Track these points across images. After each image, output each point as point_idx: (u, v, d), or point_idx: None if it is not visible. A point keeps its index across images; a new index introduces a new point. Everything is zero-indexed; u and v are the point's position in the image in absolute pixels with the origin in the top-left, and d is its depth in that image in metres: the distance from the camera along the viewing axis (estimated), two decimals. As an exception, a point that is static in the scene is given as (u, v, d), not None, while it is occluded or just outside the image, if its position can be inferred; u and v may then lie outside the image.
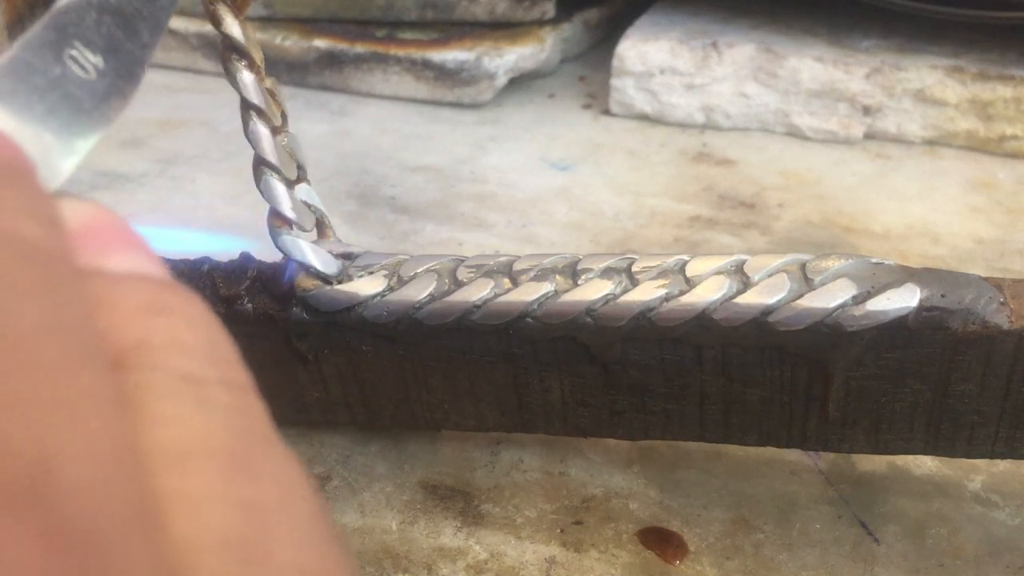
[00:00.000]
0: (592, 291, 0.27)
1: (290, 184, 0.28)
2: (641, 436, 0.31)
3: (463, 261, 0.28)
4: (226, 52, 0.27)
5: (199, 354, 0.12)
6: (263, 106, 0.28)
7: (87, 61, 0.14)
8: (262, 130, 0.28)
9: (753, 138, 0.58)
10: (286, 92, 0.65)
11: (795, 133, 0.58)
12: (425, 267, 0.28)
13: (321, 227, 0.30)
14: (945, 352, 0.26)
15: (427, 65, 0.62)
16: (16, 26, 0.36)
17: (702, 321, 0.26)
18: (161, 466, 0.10)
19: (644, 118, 0.60)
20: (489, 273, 0.28)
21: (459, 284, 0.28)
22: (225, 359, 0.12)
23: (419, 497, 0.32)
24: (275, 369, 0.31)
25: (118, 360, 0.11)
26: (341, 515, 0.31)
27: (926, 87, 0.54)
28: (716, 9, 0.63)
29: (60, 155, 0.14)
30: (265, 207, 0.28)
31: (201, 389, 0.12)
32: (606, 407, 0.30)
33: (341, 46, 0.64)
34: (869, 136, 0.57)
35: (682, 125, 0.59)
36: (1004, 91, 0.53)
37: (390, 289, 0.28)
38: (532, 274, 0.28)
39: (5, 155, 0.11)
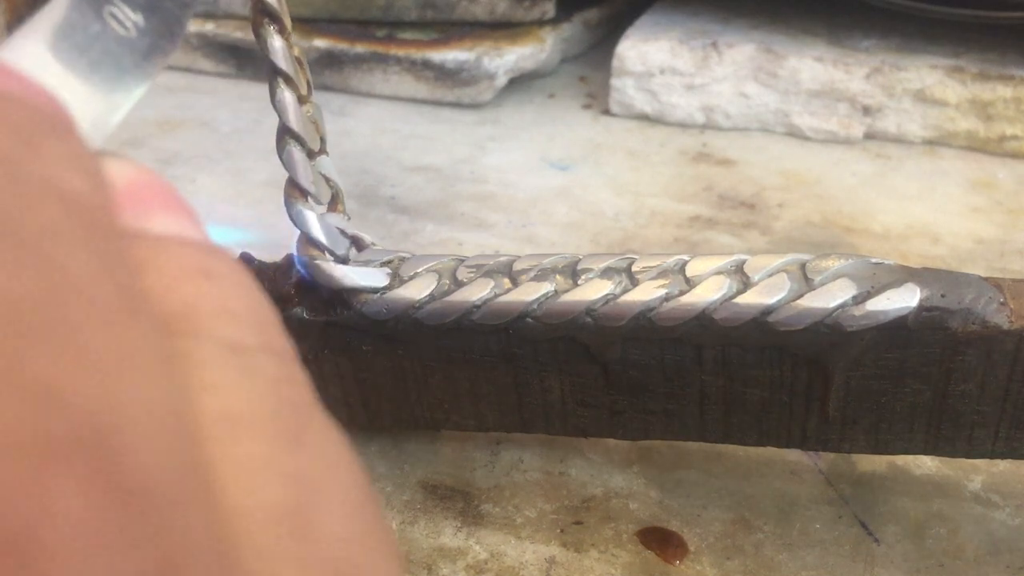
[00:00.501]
0: (592, 291, 0.27)
1: (312, 155, 0.28)
2: (641, 436, 0.31)
3: (463, 261, 0.28)
4: (258, 16, 0.27)
5: (245, 321, 0.12)
6: (292, 74, 0.27)
7: (127, 18, 0.14)
8: (289, 98, 0.27)
9: (753, 138, 0.58)
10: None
11: (795, 133, 0.58)
12: (425, 267, 0.28)
13: (334, 201, 0.30)
14: (945, 352, 0.26)
15: (427, 65, 0.62)
16: (16, 25, 0.36)
17: (702, 321, 0.26)
18: (210, 434, 0.10)
19: (644, 118, 0.60)
20: (489, 273, 0.28)
21: (459, 284, 0.28)
22: (270, 327, 0.12)
23: (419, 497, 0.32)
24: None
25: (164, 325, 0.11)
26: (341, 515, 0.31)
27: (926, 87, 0.54)
28: (716, 9, 0.63)
29: (101, 113, 0.14)
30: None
31: (248, 357, 0.11)
32: (606, 407, 0.30)
33: (341, 46, 0.64)
34: (869, 136, 0.57)
35: (682, 125, 0.59)
36: (1004, 91, 0.53)
37: (390, 287, 0.28)
38: (532, 274, 0.28)
39: (47, 108, 0.11)
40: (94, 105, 0.14)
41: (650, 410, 0.29)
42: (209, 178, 0.54)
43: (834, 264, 0.26)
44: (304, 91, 0.28)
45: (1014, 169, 0.53)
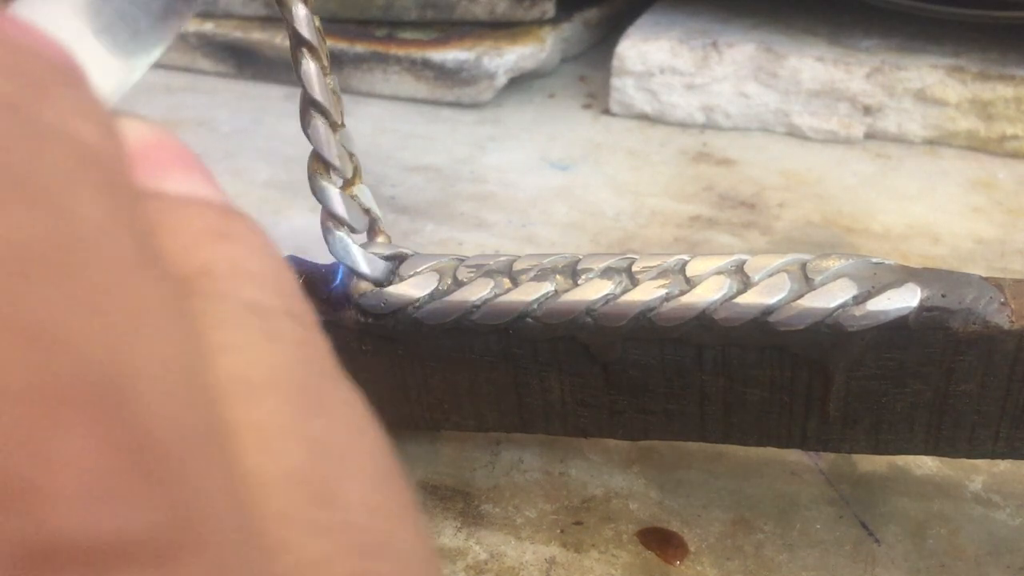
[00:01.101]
0: (592, 291, 0.27)
1: (346, 184, 0.28)
2: (641, 436, 0.31)
3: (463, 261, 0.28)
4: (297, 47, 0.27)
5: (264, 283, 0.11)
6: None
7: None
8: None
9: (753, 138, 0.58)
10: (285, 92, 0.65)
11: (795, 133, 0.58)
12: (426, 266, 0.28)
13: (373, 228, 0.30)
14: (946, 352, 0.26)
15: (427, 65, 0.62)
16: None
17: (702, 321, 0.26)
18: (227, 395, 0.10)
19: (644, 118, 0.60)
20: (489, 273, 0.28)
21: (459, 284, 0.28)
22: (289, 290, 0.12)
23: (419, 497, 0.32)
24: None
25: (181, 284, 0.11)
26: (341, 515, 0.31)
27: (926, 87, 0.54)
28: (716, 9, 0.63)
29: (117, 74, 0.14)
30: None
31: (267, 319, 0.11)
32: (606, 407, 0.30)
33: (341, 46, 0.64)
34: (869, 136, 0.56)
35: (682, 125, 0.59)
36: (1005, 91, 0.53)
37: (389, 283, 0.28)
38: (532, 274, 0.28)
39: (61, 61, 0.11)
40: (110, 65, 0.14)
41: (650, 410, 0.29)
42: (209, 178, 0.54)
43: (835, 264, 0.26)
44: (340, 120, 0.28)
45: (1014, 169, 0.53)
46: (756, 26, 0.61)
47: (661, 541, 0.30)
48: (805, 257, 0.26)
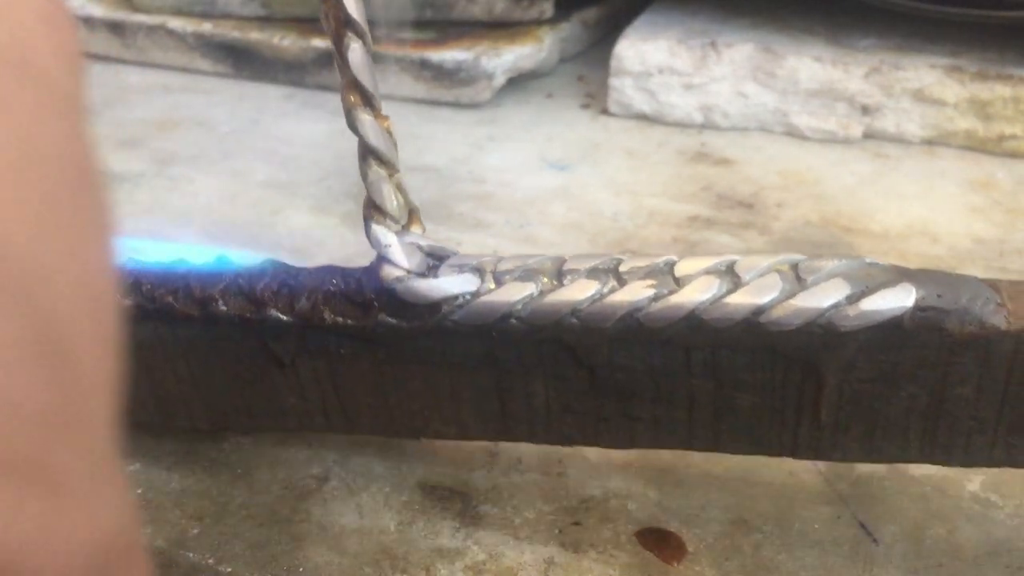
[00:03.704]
0: (578, 291, 0.26)
1: (403, 229, 0.28)
2: (627, 445, 0.30)
3: (445, 259, 0.28)
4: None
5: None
6: (384, 150, 0.27)
7: None
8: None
9: (752, 138, 0.58)
10: (283, 92, 0.65)
11: (794, 133, 0.58)
12: None
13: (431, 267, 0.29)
14: (941, 354, 0.25)
15: (425, 65, 0.62)
16: None
17: (691, 322, 0.26)
18: None
19: (642, 118, 0.60)
20: (472, 272, 0.27)
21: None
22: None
23: (417, 498, 0.32)
24: (251, 374, 0.30)
25: None
26: (339, 516, 0.31)
27: (925, 87, 0.54)
28: (714, 8, 0.63)
29: None
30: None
31: None
32: (592, 413, 0.29)
33: (339, 46, 0.64)
34: (868, 136, 0.56)
35: (680, 125, 0.59)
36: (1003, 91, 0.53)
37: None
38: (517, 274, 0.27)
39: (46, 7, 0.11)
40: None
41: (637, 416, 0.29)
42: (207, 178, 0.54)
43: (828, 264, 0.26)
44: (397, 167, 0.28)
45: (1013, 169, 0.53)
46: (754, 26, 0.61)
47: (659, 541, 0.30)
48: (797, 257, 0.26)
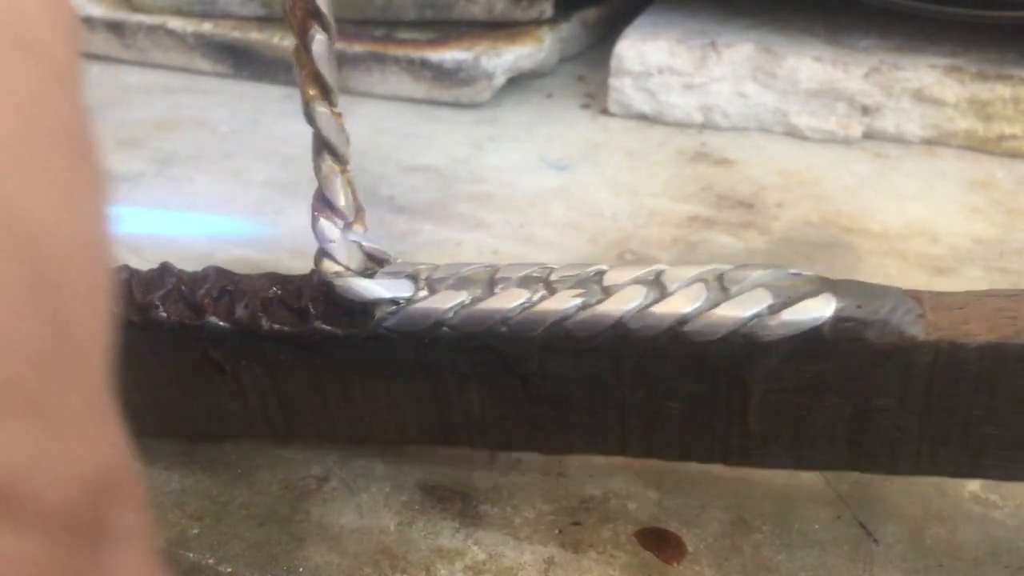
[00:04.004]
0: (508, 300, 0.26)
1: (347, 226, 0.28)
2: (564, 451, 0.30)
3: (384, 263, 0.28)
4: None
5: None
6: (338, 144, 0.27)
7: None
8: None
9: (751, 138, 0.58)
10: (283, 92, 0.65)
11: (794, 133, 0.58)
12: None
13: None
14: (863, 365, 0.25)
15: (425, 65, 0.62)
16: None
17: (618, 331, 0.26)
18: None
19: (642, 118, 0.60)
20: (406, 279, 0.27)
21: None
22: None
23: (417, 498, 0.32)
24: (193, 379, 0.30)
25: None
26: (339, 516, 0.31)
27: (925, 87, 0.54)
28: (714, 9, 0.63)
29: None
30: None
31: None
32: (527, 421, 0.29)
33: (338, 46, 0.64)
34: (868, 136, 0.56)
35: (680, 125, 0.59)
36: (1003, 91, 0.53)
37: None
38: (450, 282, 0.27)
39: None
40: None
41: (571, 424, 0.29)
42: (207, 178, 0.54)
43: (752, 274, 0.26)
44: (348, 161, 0.28)
45: (1013, 169, 0.53)
46: (754, 26, 0.61)
47: (659, 541, 0.30)
48: (724, 267, 0.26)
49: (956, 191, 0.51)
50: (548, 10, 0.65)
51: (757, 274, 0.26)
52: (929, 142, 0.56)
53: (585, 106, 0.63)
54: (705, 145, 0.57)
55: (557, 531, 0.30)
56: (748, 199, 0.50)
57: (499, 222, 0.49)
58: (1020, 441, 0.26)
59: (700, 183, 0.52)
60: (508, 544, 0.30)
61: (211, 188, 0.53)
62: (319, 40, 0.27)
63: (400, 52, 0.63)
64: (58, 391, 0.10)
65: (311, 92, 0.27)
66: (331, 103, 0.27)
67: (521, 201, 0.51)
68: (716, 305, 0.25)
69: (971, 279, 0.42)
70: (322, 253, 0.27)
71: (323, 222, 0.27)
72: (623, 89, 0.60)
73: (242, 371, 0.30)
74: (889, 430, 0.26)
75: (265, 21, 0.68)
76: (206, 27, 0.68)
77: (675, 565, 0.29)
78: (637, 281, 0.26)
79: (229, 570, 0.29)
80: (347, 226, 0.28)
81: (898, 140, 0.56)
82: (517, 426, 0.29)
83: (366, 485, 0.32)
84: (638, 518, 0.30)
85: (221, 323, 0.28)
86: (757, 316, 0.25)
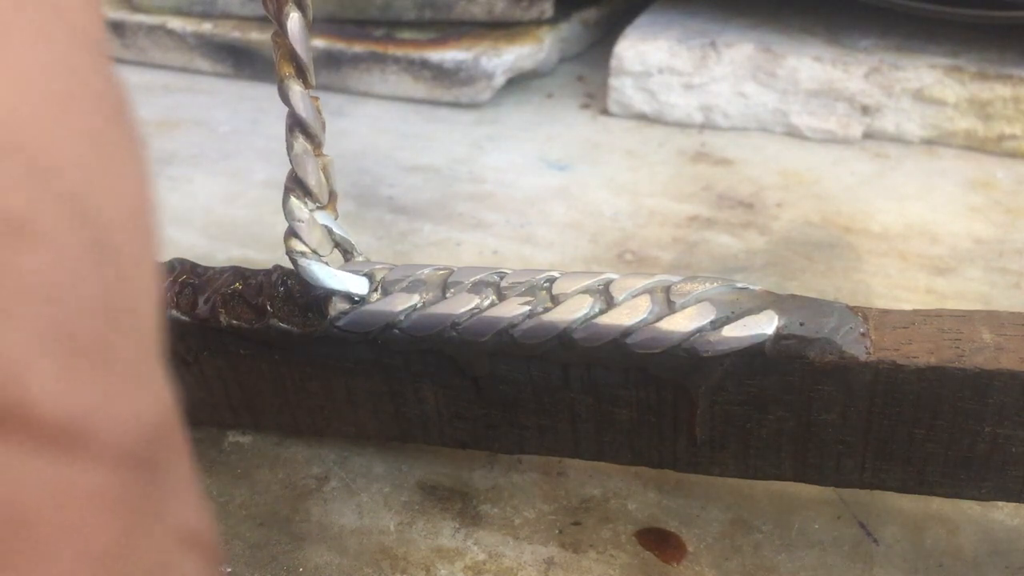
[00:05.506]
0: (458, 305, 0.26)
1: (320, 208, 0.28)
2: (517, 450, 0.30)
3: (350, 252, 0.28)
4: (283, 63, 0.27)
5: None
6: (311, 123, 0.27)
7: None
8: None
9: (751, 138, 0.58)
10: (284, 92, 0.65)
11: (794, 133, 0.58)
12: None
13: (345, 253, 0.30)
14: (805, 381, 0.25)
15: (425, 65, 0.62)
16: None
17: (563, 340, 0.26)
18: None
19: (642, 118, 0.60)
20: (364, 277, 0.27)
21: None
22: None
23: (417, 498, 0.32)
24: None
25: None
26: (339, 516, 0.31)
27: (925, 86, 0.54)
28: (714, 9, 0.63)
29: None
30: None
31: None
32: (481, 420, 0.29)
33: (339, 46, 0.64)
34: (868, 136, 0.56)
35: (680, 125, 0.59)
36: (1003, 91, 0.53)
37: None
38: (404, 284, 0.27)
39: None
40: None
41: (523, 425, 0.29)
42: (207, 178, 0.54)
43: (698, 288, 0.26)
44: (322, 147, 0.28)
45: (1013, 168, 0.53)
46: (754, 26, 0.61)
47: (659, 541, 0.30)
48: (672, 279, 0.26)
49: (956, 191, 0.51)
50: (548, 10, 0.65)
51: (703, 288, 0.26)
52: (929, 142, 0.56)
53: (585, 106, 0.63)
54: (705, 145, 0.57)
55: (557, 531, 0.30)
56: (748, 199, 0.50)
57: (499, 222, 0.49)
58: (963, 460, 0.26)
59: (700, 183, 0.52)
60: (508, 544, 0.30)
61: (211, 188, 0.53)
62: (294, 18, 0.27)
63: (400, 52, 0.63)
64: (120, 344, 0.10)
65: (286, 71, 0.27)
66: (306, 82, 0.27)
67: (521, 201, 0.51)
68: (660, 319, 0.25)
69: (971, 279, 0.42)
70: (290, 232, 0.28)
71: (293, 201, 0.28)
72: (623, 89, 0.60)
73: (205, 363, 0.30)
74: (833, 444, 0.26)
75: (265, 21, 0.68)
76: (206, 27, 0.68)
77: (675, 565, 0.29)
78: (585, 291, 0.26)
79: (229, 570, 0.29)
80: (318, 209, 0.28)
81: (898, 140, 0.56)
82: (471, 425, 0.30)
83: (366, 485, 0.32)
84: (638, 518, 0.30)
85: (183, 317, 0.29)
86: (699, 331, 0.25)
